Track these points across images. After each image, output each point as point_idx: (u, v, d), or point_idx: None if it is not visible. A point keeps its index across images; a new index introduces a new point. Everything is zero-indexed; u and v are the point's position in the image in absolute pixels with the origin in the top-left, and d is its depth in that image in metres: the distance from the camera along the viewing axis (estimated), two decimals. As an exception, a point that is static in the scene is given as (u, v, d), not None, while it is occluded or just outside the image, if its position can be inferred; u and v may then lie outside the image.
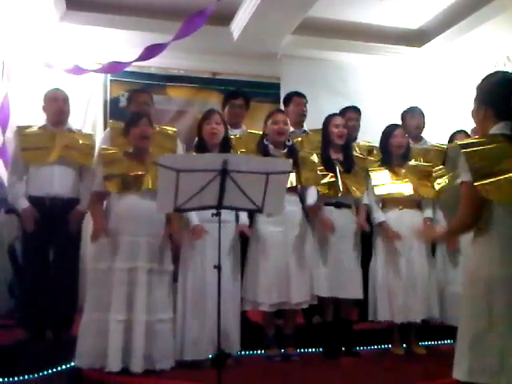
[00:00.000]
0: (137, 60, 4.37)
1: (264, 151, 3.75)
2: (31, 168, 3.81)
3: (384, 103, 5.99)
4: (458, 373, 2.01)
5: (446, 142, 4.42)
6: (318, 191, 3.81)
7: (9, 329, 4.00)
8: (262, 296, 3.57)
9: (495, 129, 2.07)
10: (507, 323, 1.93)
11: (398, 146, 4.04)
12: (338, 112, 4.30)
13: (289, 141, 3.84)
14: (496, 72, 2.23)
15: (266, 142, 3.79)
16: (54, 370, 3.30)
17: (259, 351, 3.78)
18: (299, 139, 4.31)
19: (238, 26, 5.38)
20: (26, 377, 3.17)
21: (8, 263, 4.37)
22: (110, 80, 5.61)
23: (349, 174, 3.92)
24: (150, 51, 4.25)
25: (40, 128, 3.92)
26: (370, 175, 4.03)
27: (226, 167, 2.60)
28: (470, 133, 4.25)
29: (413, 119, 4.65)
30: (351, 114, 4.60)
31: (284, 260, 3.62)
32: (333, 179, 3.87)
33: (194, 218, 3.43)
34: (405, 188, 3.97)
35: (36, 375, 3.21)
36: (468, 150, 2.02)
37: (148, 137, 3.47)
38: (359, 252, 3.92)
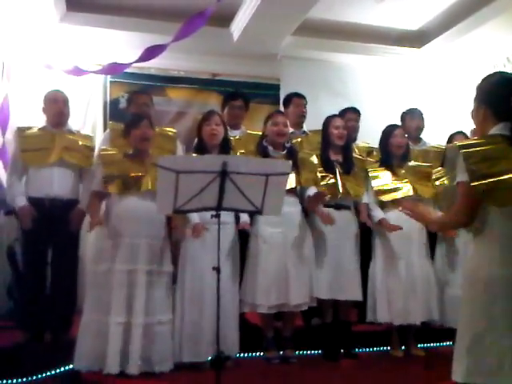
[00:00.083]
0: (137, 61, 4.37)
1: (263, 152, 3.75)
2: (31, 169, 3.81)
3: (383, 104, 6.00)
4: (456, 374, 2.01)
5: (445, 143, 4.43)
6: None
7: (7, 330, 3.99)
8: (261, 298, 3.56)
9: (494, 130, 2.07)
10: (506, 324, 1.93)
11: (397, 146, 4.03)
12: (337, 113, 4.30)
13: (288, 142, 3.84)
14: (495, 73, 2.23)
15: (265, 144, 3.79)
16: (53, 371, 3.29)
17: (258, 353, 3.78)
18: (299, 140, 4.31)
19: (237, 27, 5.39)
20: (25, 379, 3.16)
21: (7, 265, 4.36)
22: (110, 81, 5.61)
23: (348, 176, 3.92)
24: (150, 52, 4.25)
25: (40, 129, 3.92)
26: (369, 176, 4.03)
27: (225, 169, 2.60)
28: (469, 134, 4.26)
29: (412, 120, 4.66)
30: (351, 114, 4.61)
31: (283, 262, 3.62)
32: (332, 180, 3.87)
33: (195, 215, 3.42)
34: (404, 189, 3.97)
35: (35, 377, 3.20)
36: (466, 150, 2.02)
37: (148, 139, 3.47)
38: (359, 253, 3.91)
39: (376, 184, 3.98)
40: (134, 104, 4.14)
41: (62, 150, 3.81)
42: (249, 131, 4.41)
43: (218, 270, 2.75)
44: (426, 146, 4.70)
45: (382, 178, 4.01)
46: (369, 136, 4.70)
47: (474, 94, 2.18)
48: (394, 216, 3.92)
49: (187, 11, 4.45)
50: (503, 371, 1.91)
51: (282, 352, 3.73)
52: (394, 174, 4.02)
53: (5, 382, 3.11)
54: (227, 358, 3.43)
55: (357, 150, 4.40)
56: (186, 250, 3.50)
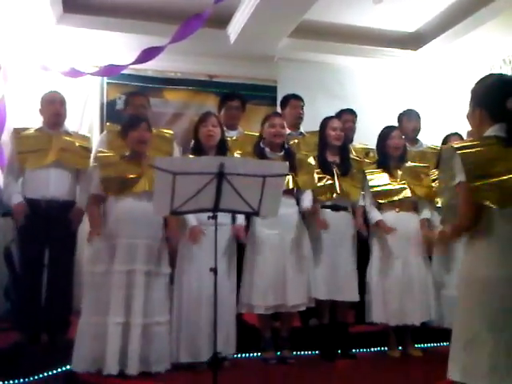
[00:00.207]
0: (134, 63, 4.38)
1: (261, 154, 3.76)
2: (27, 170, 3.80)
3: (380, 106, 6.02)
4: (452, 373, 2.01)
5: (440, 144, 4.44)
6: (314, 194, 3.81)
7: (4, 331, 3.99)
8: (258, 299, 3.56)
9: (490, 131, 2.08)
10: (501, 325, 1.94)
11: (395, 148, 4.04)
12: (334, 115, 4.31)
13: (284, 144, 3.84)
14: (490, 75, 2.25)
15: (262, 145, 3.80)
16: (50, 372, 3.28)
17: (255, 354, 3.78)
18: (296, 141, 4.32)
19: (234, 28, 5.39)
20: (22, 380, 3.15)
21: (3, 266, 4.36)
22: (107, 83, 5.61)
23: (346, 177, 3.92)
24: (147, 54, 4.26)
25: (36, 130, 3.92)
26: (366, 177, 4.04)
27: (222, 170, 2.60)
28: (465, 135, 4.27)
29: (409, 122, 4.67)
30: (347, 116, 4.62)
31: (280, 262, 3.62)
32: (330, 182, 3.88)
33: (192, 218, 3.43)
34: (402, 190, 3.98)
35: (31, 378, 3.20)
36: (463, 151, 2.03)
37: (146, 141, 3.47)
38: (356, 254, 3.92)
39: (373, 185, 3.99)
40: (131, 106, 4.15)
41: (59, 151, 3.81)
42: (246, 132, 4.41)
43: (215, 270, 2.75)
44: (423, 147, 4.71)
45: (379, 180, 4.02)
46: (366, 137, 4.71)
47: (469, 95, 2.19)
48: (391, 217, 3.94)
49: (184, 13, 4.47)
50: (498, 372, 1.92)
51: (279, 352, 3.73)
52: (391, 175, 4.03)
53: (1, 383, 3.10)
54: (224, 359, 3.43)
55: (354, 152, 4.41)
56: (183, 251, 3.50)
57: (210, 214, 2.72)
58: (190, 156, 3.62)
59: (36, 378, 3.22)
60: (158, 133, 3.96)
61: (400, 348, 3.99)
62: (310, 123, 4.50)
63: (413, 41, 6.04)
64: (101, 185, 3.39)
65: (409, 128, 4.62)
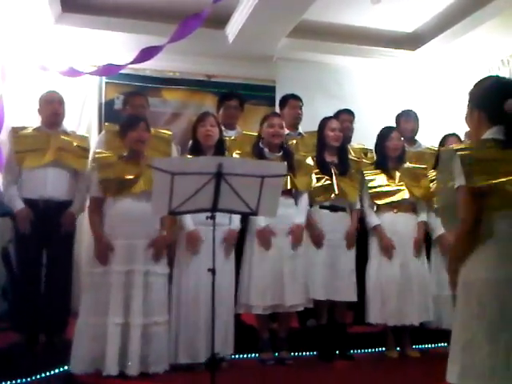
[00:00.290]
0: (132, 62, 4.37)
1: (259, 154, 3.76)
2: (25, 170, 3.79)
3: (379, 106, 6.01)
4: (450, 375, 2.01)
5: (438, 145, 4.44)
6: (312, 195, 3.82)
7: (2, 332, 3.98)
8: (256, 299, 3.57)
9: (488, 133, 2.08)
10: (500, 327, 1.94)
11: (394, 149, 4.05)
12: (332, 115, 4.31)
13: (283, 144, 3.84)
14: (488, 77, 2.24)
15: (261, 145, 3.80)
16: (48, 373, 3.28)
17: (253, 354, 3.78)
18: (294, 142, 4.31)
19: (233, 28, 5.39)
20: (19, 380, 3.14)
21: (1, 266, 4.35)
22: (105, 82, 5.59)
23: (344, 177, 3.93)
24: (146, 54, 4.25)
25: (34, 130, 3.91)
26: (364, 178, 4.04)
27: (220, 170, 2.60)
28: (463, 136, 4.27)
29: (407, 122, 4.66)
30: (345, 116, 4.60)
31: (278, 263, 3.62)
32: (328, 182, 3.88)
33: (189, 222, 3.43)
34: (400, 191, 3.98)
35: (29, 379, 3.19)
36: (462, 153, 2.03)
37: (144, 141, 3.47)
38: (354, 255, 3.92)
39: (371, 186, 3.99)
40: (131, 106, 4.14)
41: (57, 150, 3.80)
42: (244, 131, 4.41)
43: (213, 271, 2.75)
44: (422, 148, 4.71)
45: (378, 181, 4.02)
46: (364, 137, 4.71)
47: (467, 96, 2.19)
48: (389, 218, 3.94)
49: (183, 13, 4.46)
50: (497, 374, 1.92)
51: (277, 353, 3.73)
52: (390, 176, 4.03)
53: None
54: (222, 360, 3.43)
55: (352, 152, 4.41)
56: (181, 251, 3.50)
57: (209, 215, 2.72)
58: (188, 156, 3.62)
59: (34, 378, 3.21)
60: (156, 133, 3.95)
61: (398, 349, 3.99)
62: (308, 123, 4.50)
63: (411, 41, 6.04)
64: (100, 186, 3.39)
65: (407, 128, 4.62)
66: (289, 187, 3.68)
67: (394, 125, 4.54)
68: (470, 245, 2.01)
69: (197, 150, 3.61)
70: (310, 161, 3.88)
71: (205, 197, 2.64)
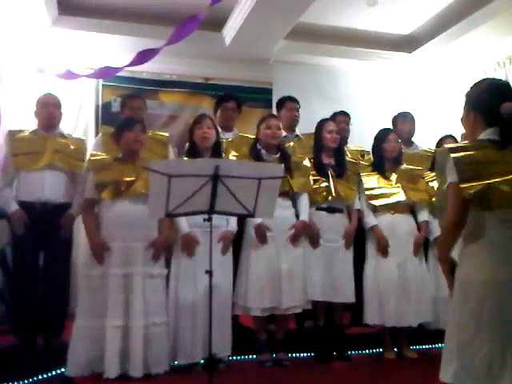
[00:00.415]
0: (129, 65, 4.36)
1: (257, 156, 3.76)
2: (22, 173, 3.78)
3: (375, 108, 6.03)
4: (444, 375, 2.02)
5: (435, 147, 4.45)
6: (310, 196, 3.82)
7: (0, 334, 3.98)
8: (254, 301, 3.57)
9: (484, 135, 2.09)
10: (495, 328, 1.94)
11: (391, 151, 4.06)
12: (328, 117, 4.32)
13: (280, 145, 3.85)
14: (484, 79, 2.26)
15: (258, 147, 3.81)
16: (46, 375, 3.28)
17: (251, 356, 3.78)
18: (291, 144, 4.32)
19: (230, 31, 5.40)
20: (16, 383, 3.14)
21: (-1, 268, 4.35)
22: (102, 85, 5.59)
23: (341, 179, 3.94)
24: (143, 56, 4.25)
25: (31, 133, 3.90)
26: (361, 180, 4.05)
27: (217, 172, 2.60)
28: (459, 138, 4.29)
29: (404, 124, 4.68)
30: (341, 118, 4.62)
31: (276, 265, 3.63)
32: (325, 184, 3.88)
33: (184, 225, 3.43)
34: (397, 193, 3.99)
35: (26, 381, 3.18)
36: (456, 153, 2.04)
37: (141, 141, 3.47)
38: (352, 256, 3.93)
39: (368, 188, 4.00)
40: (128, 108, 4.14)
41: (53, 153, 3.80)
42: (241, 133, 4.42)
43: (210, 273, 2.75)
44: (418, 150, 4.73)
45: (375, 183, 4.03)
46: (360, 139, 4.73)
47: (464, 99, 2.21)
48: (387, 221, 3.95)
49: (179, 15, 4.46)
50: (491, 375, 1.93)
51: (274, 355, 3.73)
52: (386, 178, 4.05)
53: (-4, 386, 3.10)
54: (220, 361, 3.44)
55: (349, 154, 4.42)
56: (178, 252, 3.50)
57: (206, 217, 2.73)
58: (185, 158, 3.62)
59: (32, 380, 3.21)
60: (153, 135, 3.96)
61: (395, 350, 4.00)
62: (305, 125, 4.51)
63: (407, 43, 6.06)
64: (95, 189, 3.38)
65: (404, 130, 4.64)
66: (286, 189, 3.68)
67: (391, 127, 4.55)
68: (456, 236, 2.05)
69: (194, 152, 3.62)
70: (307, 162, 3.89)
71: (202, 199, 2.64)
